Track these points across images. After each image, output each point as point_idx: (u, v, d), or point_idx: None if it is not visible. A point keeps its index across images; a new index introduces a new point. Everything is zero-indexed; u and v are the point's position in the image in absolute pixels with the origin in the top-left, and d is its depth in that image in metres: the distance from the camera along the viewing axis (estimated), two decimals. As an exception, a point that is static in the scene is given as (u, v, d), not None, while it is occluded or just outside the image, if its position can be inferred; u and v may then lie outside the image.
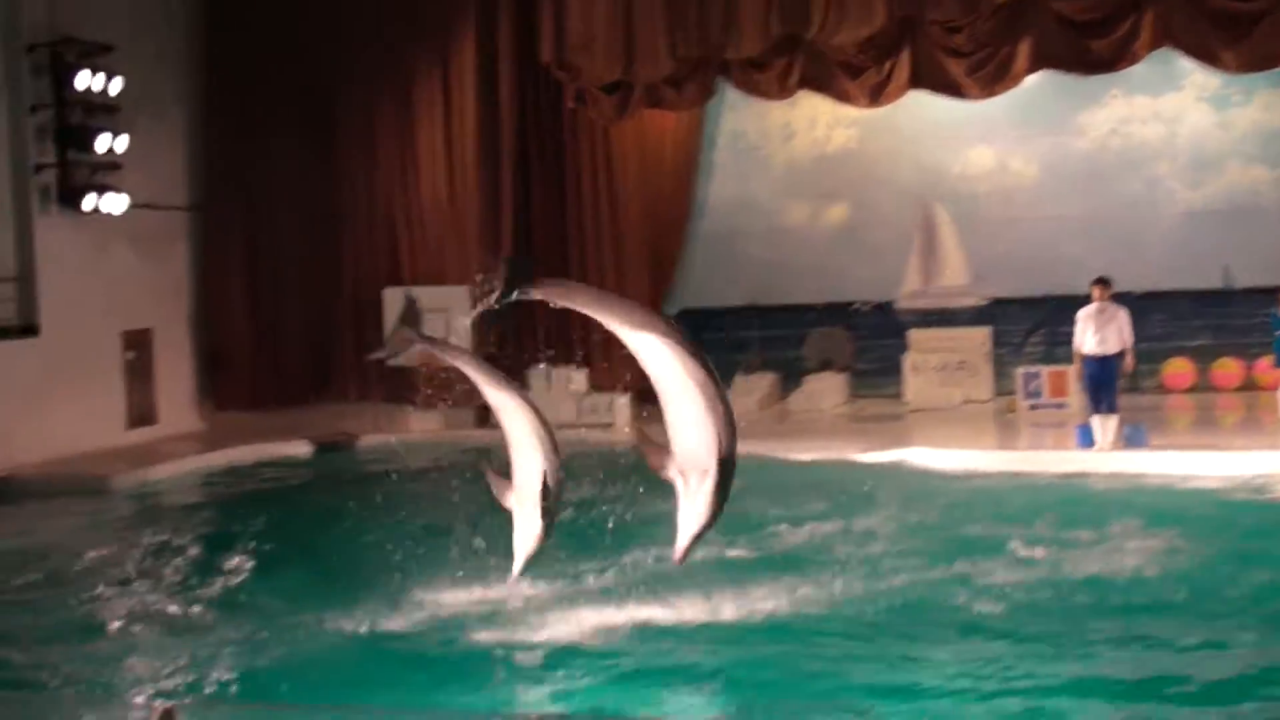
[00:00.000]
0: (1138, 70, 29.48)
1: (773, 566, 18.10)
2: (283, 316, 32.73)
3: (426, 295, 30.62)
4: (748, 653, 14.81)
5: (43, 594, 18.84)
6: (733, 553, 18.71)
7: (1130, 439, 24.96)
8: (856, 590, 16.96)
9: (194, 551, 21.16)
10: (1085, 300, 25.37)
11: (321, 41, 32.84)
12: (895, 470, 24.89)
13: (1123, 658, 14.35)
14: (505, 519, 14.12)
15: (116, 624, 17.09)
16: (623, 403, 31.11)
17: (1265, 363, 30.18)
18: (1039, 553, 18.55)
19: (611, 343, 31.42)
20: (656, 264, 33.63)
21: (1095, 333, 24.89)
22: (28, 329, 28.24)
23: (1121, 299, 25.63)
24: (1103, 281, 25.26)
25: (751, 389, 32.29)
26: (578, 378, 31.50)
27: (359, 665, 14.81)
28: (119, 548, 21.45)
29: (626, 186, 33.26)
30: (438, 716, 12.67)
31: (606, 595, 16.93)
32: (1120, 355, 24.92)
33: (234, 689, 14.12)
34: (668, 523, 12.41)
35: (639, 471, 12.79)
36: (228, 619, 16.94)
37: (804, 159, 33.99)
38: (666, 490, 12.43)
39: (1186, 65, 29.99)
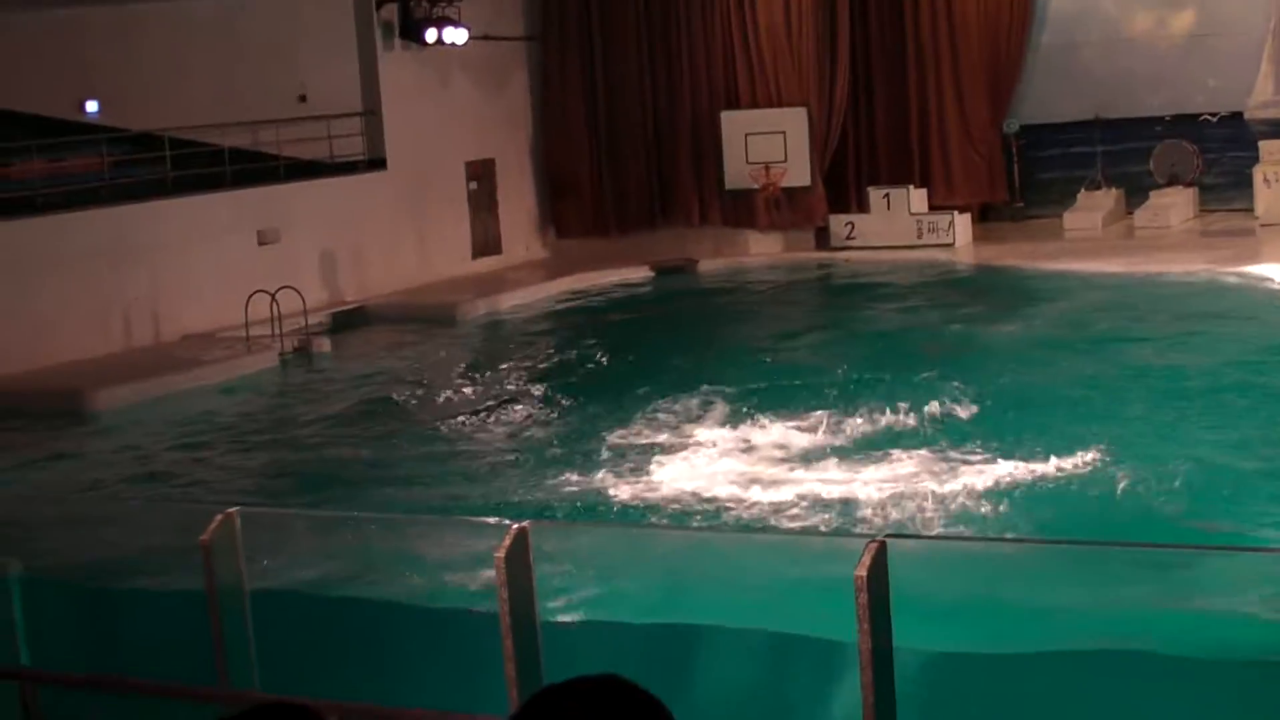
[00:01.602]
0: None
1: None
2: (622, 143, 33.05)
3: (764, 119, 30.85)
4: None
5: (396, 422, 19.56)
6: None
7: None
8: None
9: (537, 379, 21.77)
10: None
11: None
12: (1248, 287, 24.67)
13: None
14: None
15: (471, 447, 17.75)
16: (962, 221, 31.01)
17: None
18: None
19: (952, 161, 31.73)
20: (995, 80, 33.25)
21: None
22: (375, 162, 29.02)
23: None
24: None
25: (1096, 205, 31.97)
26: (917, 197, 31.34)
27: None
28: (466, 377, 22.17)
29: (964, 0, 32.84)
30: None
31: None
32: None
33: (575, 511, 14.64)
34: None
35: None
36: (568, 444, 17.48)
37: None
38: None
39: None
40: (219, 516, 9.09)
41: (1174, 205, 31.55)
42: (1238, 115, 32.65)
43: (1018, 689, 8.88)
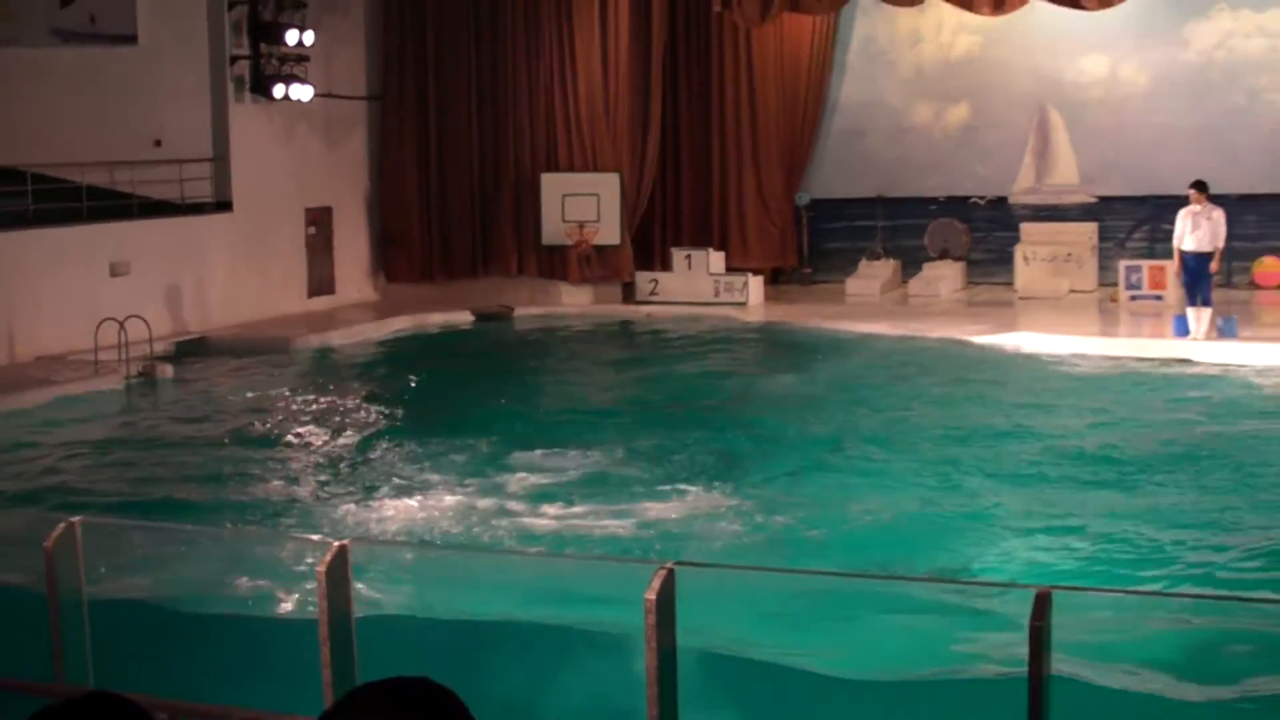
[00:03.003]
0: (1244, -14, 29.08)
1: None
2: (450, 198, 33.08)
3: (580, 182, 31.09)
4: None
5: (229, 441, 19.46)
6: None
7: (1223, 330, 24.87)
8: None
9: (359, 406, 21.80)
10: (1185, 202, 25.23)
11: (490, -53, 32.96)
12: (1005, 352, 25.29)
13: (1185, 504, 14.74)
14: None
15: (292, 469, 17.68)
16: (756, 283, 31.37)
17: None
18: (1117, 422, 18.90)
19: (749, 228, 32.23)
20: (790, 157, 33.84)
21: (1192, 231, 24.77)
22: (222, 204, 28.91)
23: (1218, 200, 25.59)
24: (1199, 185, 25.11)
25: (876, 274, 32.46)
26: (715, 259, 31.69)
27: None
28: (295, 404, 22.13)
29: (765, 85, 33.43)
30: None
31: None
32: (1214, 253, 24.80)
33: (394, 531, 14.65)
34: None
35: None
36: (394, 467, 17.50)
37: (929, 63, 33.72)
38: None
39: (1290, -18, 29.46)
40: (61, 525, 9.06)
41: (944, 277, 32.11)
42: (1003, 199, 33.39)
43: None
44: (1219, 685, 10.10)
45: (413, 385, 23.74)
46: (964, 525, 14.64)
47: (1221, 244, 24.80)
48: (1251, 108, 31.62)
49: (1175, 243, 25.09)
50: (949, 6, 30.54)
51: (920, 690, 10.11)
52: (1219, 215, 24.80)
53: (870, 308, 30.40)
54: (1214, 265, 24.81)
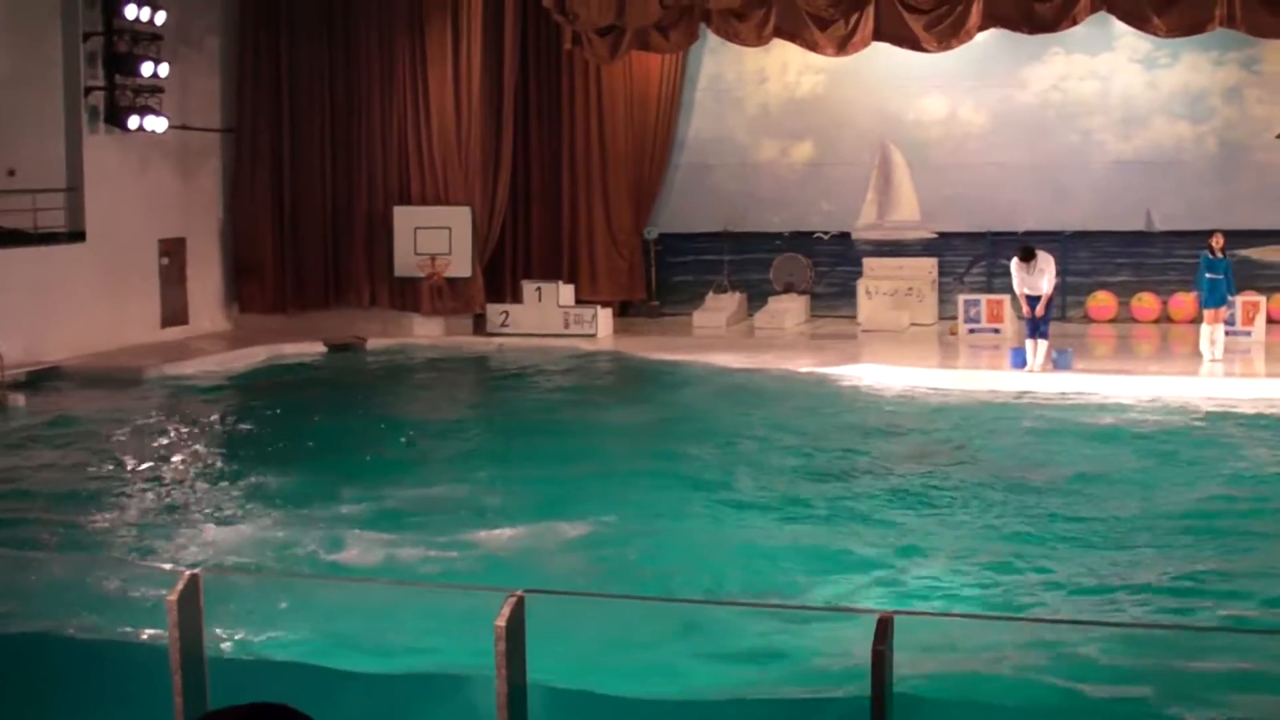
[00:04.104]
0: (1077, 31, 29.72)
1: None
2: (303, 229, 32.82)
3: (432, 214, 31.05)
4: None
5: (80, 472, 19.19)
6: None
7: (1058, 362, 25.32)
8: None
9: (209, 436, 21.61)
10: (1024, 237, 25.80)
11: (344, -19, 32.84)
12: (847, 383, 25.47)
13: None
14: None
15: (142, 499, 17.47)
16: (605, 315, 31.43)
17: (1180, 298, 30.83)
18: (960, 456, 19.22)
19: (598, 261, 32.39)
20: (639, 191, 34.00)
21: (1022, 285, 25.36)
22: (76, 235, 28.51)
23: (1053, 238, 26.20)
24: (1026, 252, 25.50)
25: (722, 307, 32.60)
26: (565, 291, 31.73)
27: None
28: (146, 431, 21.89)
29: (615, 121, 33.53)
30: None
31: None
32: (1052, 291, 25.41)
33: (248, 559, 14.51)
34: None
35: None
36: (241, 496, 17.34)
37: (775, 101, 33.96)
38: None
39: (1120, 28, 30.05)
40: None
41: (789, 310, 32.31)
42: (846, 235, 33.70)
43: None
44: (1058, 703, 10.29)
45: (264, 416, 23.50)
46: (808, 552, 14.72)
47: (1050, 290, 25.27)
48: (1084, 147, 32.29)
49: (1016, 288, 25.56)
50: (794, 47, 30.79)
51: (763, 710, 10.14)
52: (1051, 267, 25.35)
53: (717, 340, 30.56)
54: (1039, 310, 25.17)
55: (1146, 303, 31.60)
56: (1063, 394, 23.84)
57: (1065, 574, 13.94)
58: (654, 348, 29.44)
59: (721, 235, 33.69)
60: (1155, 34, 28.69)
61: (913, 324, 31.56)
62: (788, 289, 33.31)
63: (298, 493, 17.32)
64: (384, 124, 32.52)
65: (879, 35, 29.34)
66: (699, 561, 14.50)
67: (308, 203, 32.83)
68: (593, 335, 30.81)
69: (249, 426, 22.49)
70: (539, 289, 31.56)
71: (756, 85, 34.06)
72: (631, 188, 33.80)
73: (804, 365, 26.64)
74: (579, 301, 31.75)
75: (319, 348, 30.25)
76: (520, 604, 7.82)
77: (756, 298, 33.10)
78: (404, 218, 32.02)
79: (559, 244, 33.60)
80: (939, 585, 13.59)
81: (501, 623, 7.73)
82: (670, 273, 34.23)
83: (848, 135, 33.45)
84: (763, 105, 34.07)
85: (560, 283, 31.90)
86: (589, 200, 33.46)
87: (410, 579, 13.29)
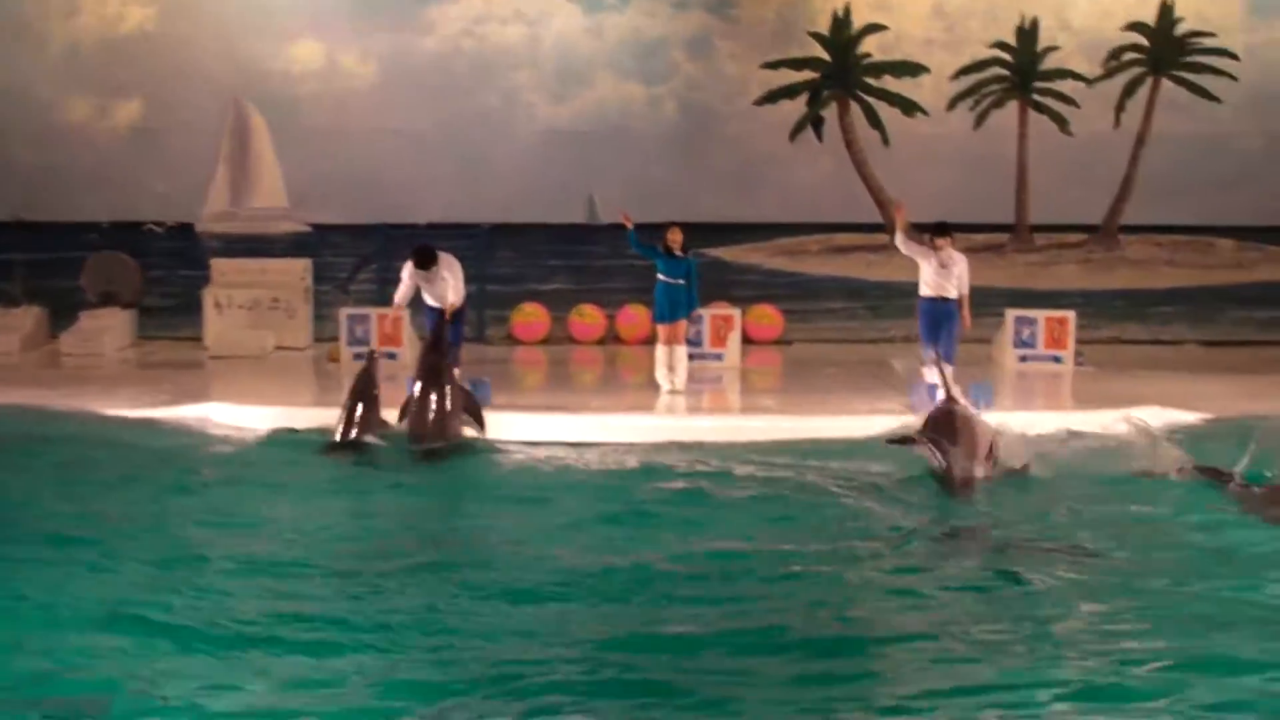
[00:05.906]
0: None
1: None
2: None
3: None
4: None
5: None
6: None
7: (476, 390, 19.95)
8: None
9: None
10: (426, 233, 23.24)
11: None
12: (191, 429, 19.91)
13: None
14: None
15: None
16: None
17: (631, 312, 26.49)
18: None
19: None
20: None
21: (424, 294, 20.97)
22: None
23: (467, 232, 23.76)
24: (423, 255, 20.29)
25: (14, 326, 26.14)
26: None
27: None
28: None
29: None
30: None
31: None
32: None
33: None
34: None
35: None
36: None
37: (89, 42, 27.72)
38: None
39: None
40: None
41: (108, 329, 26.05)
42: (189, 226, 28.12)
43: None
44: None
45: None
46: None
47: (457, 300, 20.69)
48: (508, 112, 27.89)
49: (398, 299, 20.96)
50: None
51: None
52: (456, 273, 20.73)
53: (6, 371, 23.87)
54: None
55: (589, 317, 27.08)
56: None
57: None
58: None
59: (12, 226, 27.47)
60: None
61: (280, 347, 26.10)
62: (107, 300, 27.10)
63: None
64: None
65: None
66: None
67: None
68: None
69: None
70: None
71: (63, 19, 27.71)
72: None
73: (128, 405, 20.46)
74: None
75: None
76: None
77: (64, 312, 26.55)
78: None
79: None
80: None
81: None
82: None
83: (189, 91, 27.48)
84: (72, 47, 27.73)
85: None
86: None
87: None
